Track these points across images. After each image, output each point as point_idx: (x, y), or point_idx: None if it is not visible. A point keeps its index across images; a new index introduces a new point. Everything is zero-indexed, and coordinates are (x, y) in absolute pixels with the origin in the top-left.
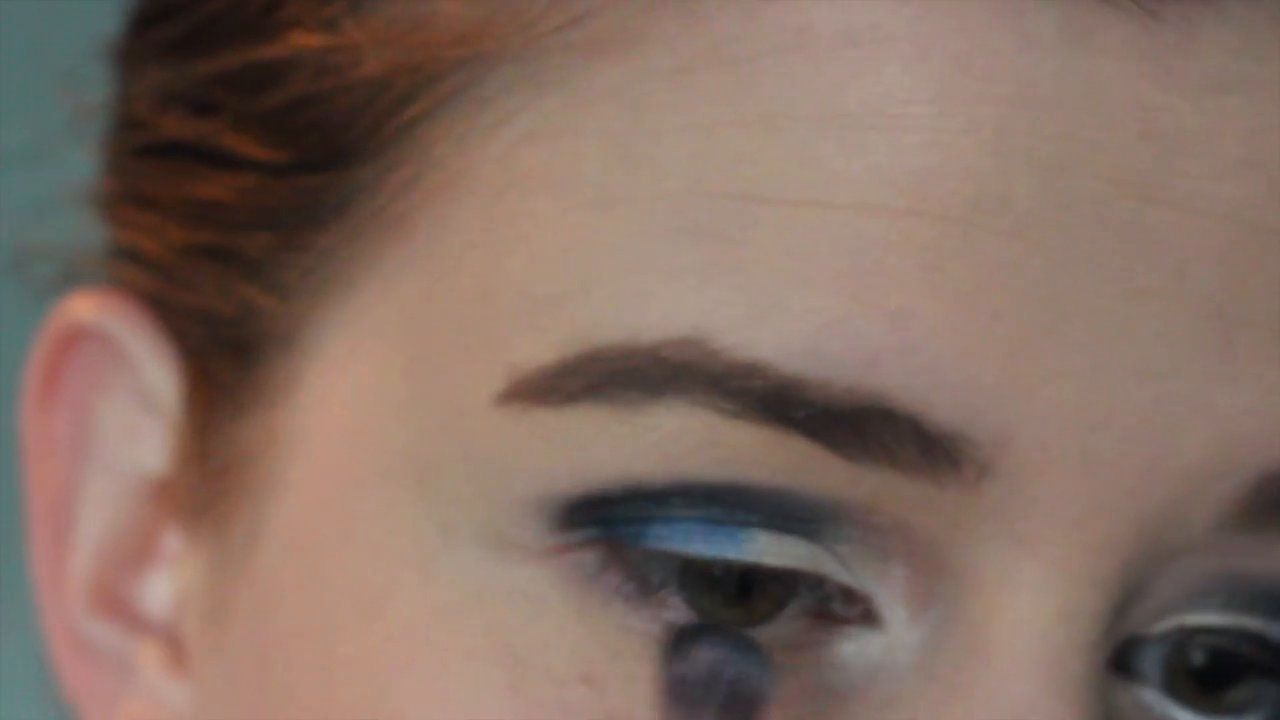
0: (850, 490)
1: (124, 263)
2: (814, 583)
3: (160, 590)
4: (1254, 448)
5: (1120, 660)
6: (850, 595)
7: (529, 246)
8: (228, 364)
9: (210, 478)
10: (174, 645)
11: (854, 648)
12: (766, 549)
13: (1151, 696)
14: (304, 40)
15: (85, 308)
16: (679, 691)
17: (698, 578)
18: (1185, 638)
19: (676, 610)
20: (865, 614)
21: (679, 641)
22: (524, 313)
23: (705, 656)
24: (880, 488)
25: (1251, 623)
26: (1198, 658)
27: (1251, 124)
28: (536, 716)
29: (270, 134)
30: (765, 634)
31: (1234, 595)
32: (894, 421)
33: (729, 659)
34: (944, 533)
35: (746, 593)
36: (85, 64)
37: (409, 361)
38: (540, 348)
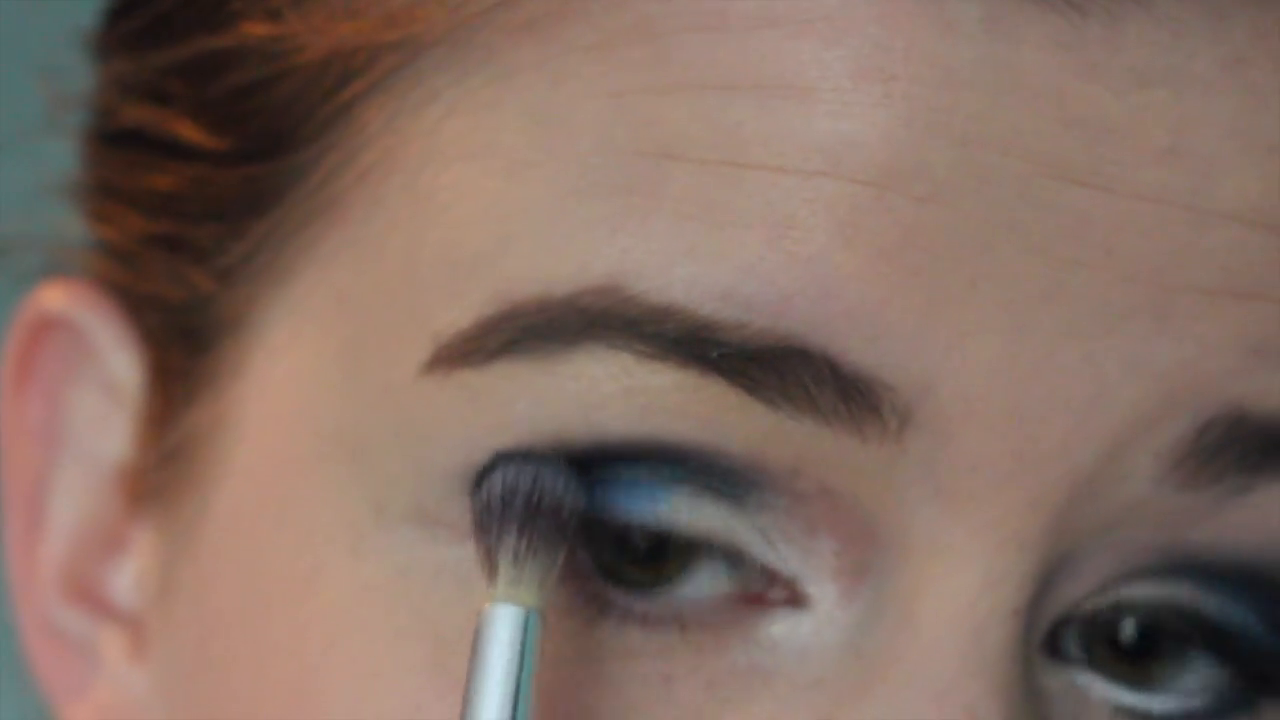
0: (773, 449)
1: (94, 253)
2: (731, 554)
3: (128, 579)
4: (1193, 395)
5: (1054, 644)
6: (772, 575)
7: (448, 216)
8: (182, 351)
9: (163, 462)
10: (138, 633)
11: (783, 629)
12: (682, 509)
13: (1085, 679)
14: (251, 29)
15: (55, 298)
16: (484, 517)
17: (605, 536)
18: (1115, 614)
19: (588, 577)
20: (791, 596)
21: (478, 476)
22: (444, 280)
23: (499, 477)
24: (804, 446)
25: (1183, 593)
26: (1127, 631)
27: (1178, 116)
28: (456, 691)
29: (217, 121)
30: (690, 610)
31: (1171, 566)
32: (810, 363)
33: (523, 474)
34: (871, 497)
35: (675, 550)
36: (68, 57)
37: (342, 343)
38: (460, 311)
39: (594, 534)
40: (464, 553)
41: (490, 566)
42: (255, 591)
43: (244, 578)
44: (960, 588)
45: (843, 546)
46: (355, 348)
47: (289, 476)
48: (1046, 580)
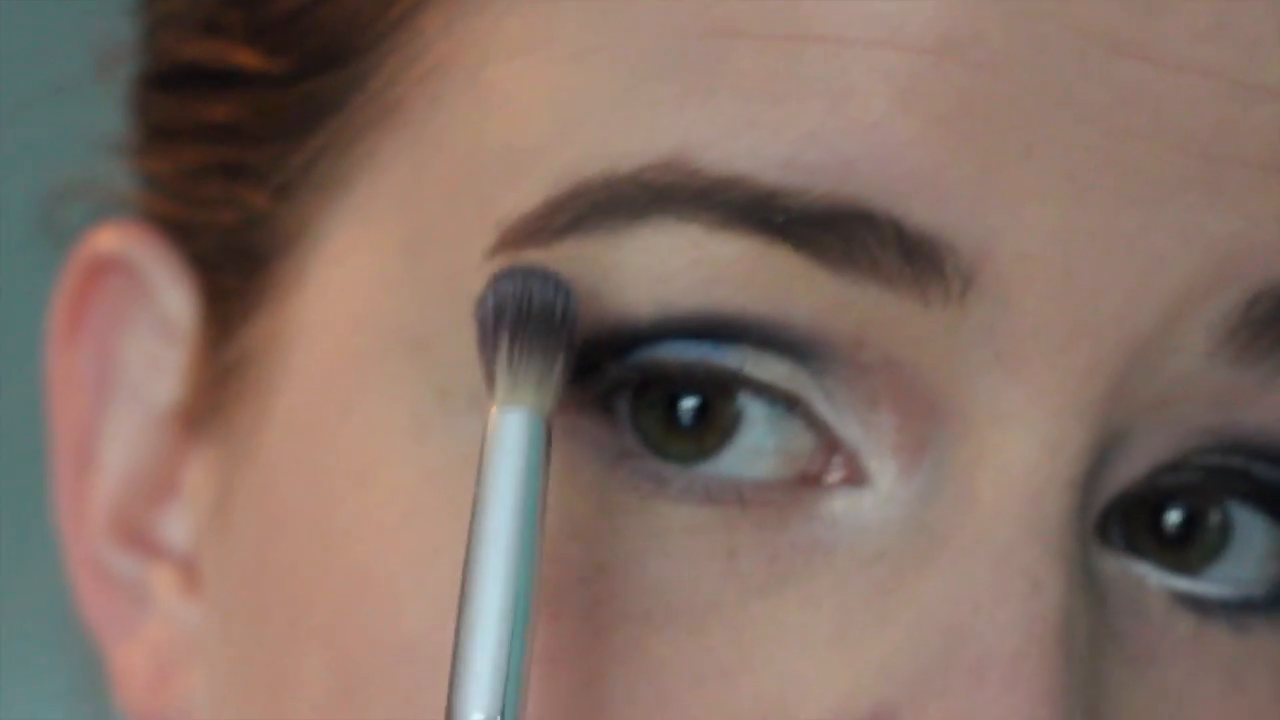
0: (837, 319)
1: (143, 193)
2: (786, 412)
3: (179, 523)
4: (1243, 267)
5: (1103, 532)
6: (830, 445)
7: (510, 106)
8: (237, 273)
9: (219, 381)
10: (190, 571)
11: (843, 505)
12: (748, 358)
13: (1140, 568)
14: None
15: (108, 239)
16: (482, 330)
17: (649, 407)
18: (1161, 499)
19: (641, 455)
20: (851, 475)
21: (478, 299)
22: (507, 167)
23: (490, 293)
24: (867, 314)
25: (1234, 461)
26: (1173, 519)
27: None
28: None
29: (275, 44)
30: (749, 490)
31: (1221, 449)
32: (875, 225)
33: (511, 284)
34: (933, 366)
35: (699, 426)
36: (114, 12)
37: (405, 240)
38: (524, 195)
39: (640, 406)
40: None
41: (490, 379)
42: (317, 488)
43: (305, 477)
44: (1019, 456)
45: (903, 421)
46: (417, 244)
47: (351, 375)
48: (1102, 455)
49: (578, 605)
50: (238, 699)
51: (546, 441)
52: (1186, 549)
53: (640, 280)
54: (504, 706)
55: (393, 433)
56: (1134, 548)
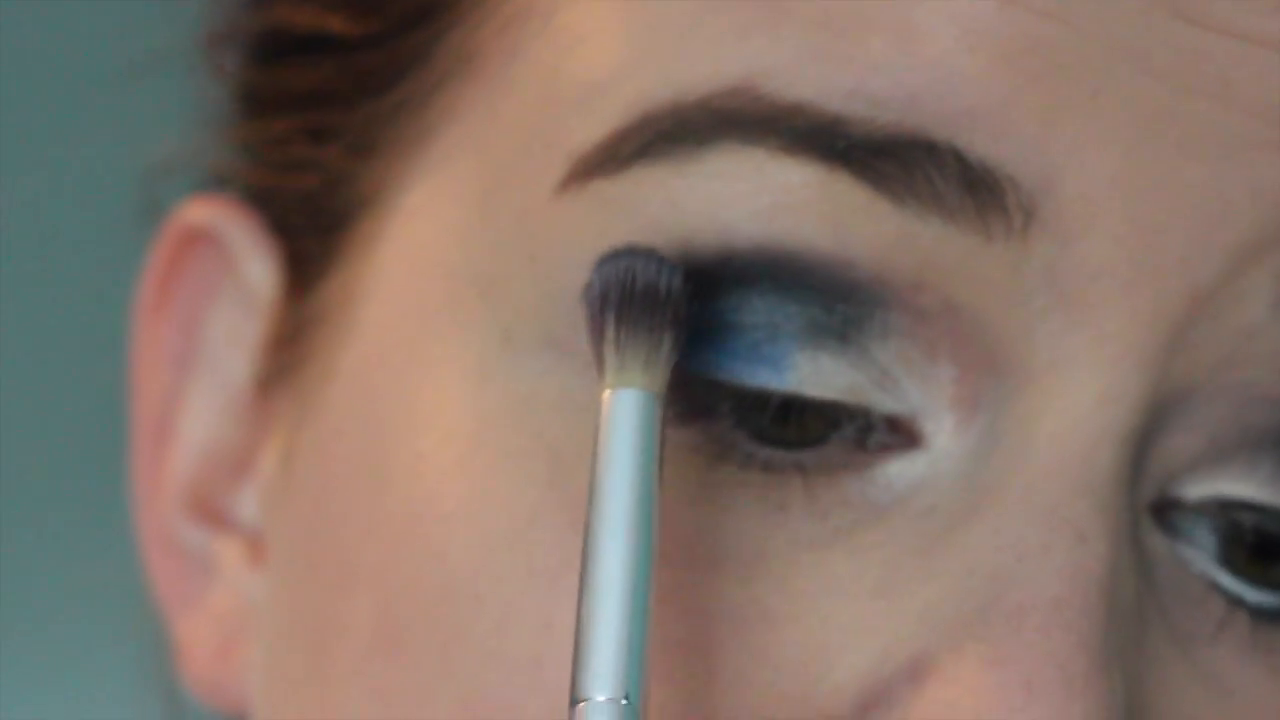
0: (899, 256)
1: (230, 165)
2: (857, 413)
3: (253, 499)
4: None
5: (1163, 520)
6: (894, 425)
7: (582, 46)
8: (317, 236)
9: (291, 343)
10: (258, 543)
11: (898, 468)
12: (807, 378)
13: (1191, 553)
14: None
15: (198, 211)
16: (591, 312)
17: (749, 400)
18: (1230, 516)
19: (723, 423)
20: (906, 440)
21: (585, 286)
22: (579, 103)
23: (600, 273)
24: (929, 252)
25: None
26: (1247, 533)
27: None
28: (574, 507)
29: (364, 7)
30: (810, 458)
31: None
32: (936, 155)
33: (616, 266)
34: (994, 311)
35: (797, 417)
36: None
37: (479, 187)
38: (595, 127)
39: (738, 398)
40: (588, 382)
41: (599, 362)
42: (375, 434)
43: (365, 424)
44: (1075, 407)
45: (961, 373)
46: (490, 188)
47: (419, 321)
48: (1160, 411)
49: None
50: (286, 652)
51: (659, 419)
52: (1264, 564)
53: (704, 205)
54: (629, 690)
55: (456, 375)
56: (1228, 560)
